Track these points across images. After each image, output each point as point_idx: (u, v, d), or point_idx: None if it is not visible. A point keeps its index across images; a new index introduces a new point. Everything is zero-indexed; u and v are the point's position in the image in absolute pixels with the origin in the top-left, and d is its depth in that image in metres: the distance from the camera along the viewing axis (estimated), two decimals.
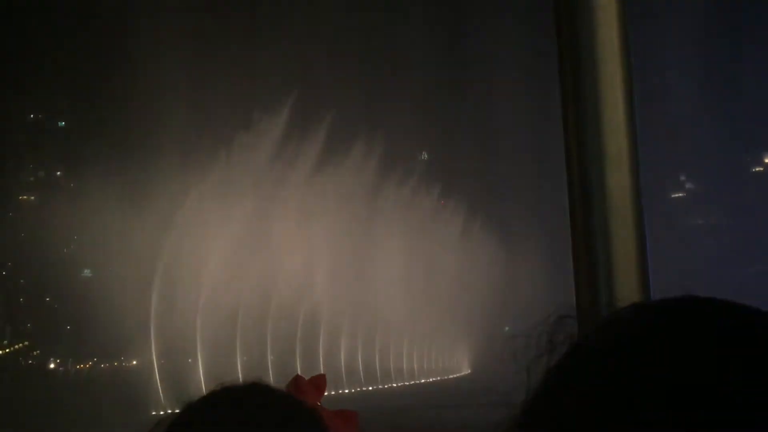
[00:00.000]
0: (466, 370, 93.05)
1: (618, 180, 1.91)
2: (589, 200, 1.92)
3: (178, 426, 1.26)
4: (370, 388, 74.47)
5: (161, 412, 50.71)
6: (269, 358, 73.39)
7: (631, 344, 0.73)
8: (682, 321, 0.74)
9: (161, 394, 59.84)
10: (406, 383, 78.93)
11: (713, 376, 0.67)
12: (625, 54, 1.92)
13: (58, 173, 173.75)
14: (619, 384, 0.69)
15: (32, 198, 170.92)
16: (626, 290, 1.89)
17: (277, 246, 73.50)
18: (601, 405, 0.70)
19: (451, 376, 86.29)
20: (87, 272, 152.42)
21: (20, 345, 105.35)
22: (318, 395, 1.34)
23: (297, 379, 1.37)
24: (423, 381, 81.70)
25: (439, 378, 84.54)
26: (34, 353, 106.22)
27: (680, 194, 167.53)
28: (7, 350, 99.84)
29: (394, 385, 77.57)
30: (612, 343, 0.74)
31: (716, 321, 0.73)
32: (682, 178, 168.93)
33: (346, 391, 69.45)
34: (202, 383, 59.20)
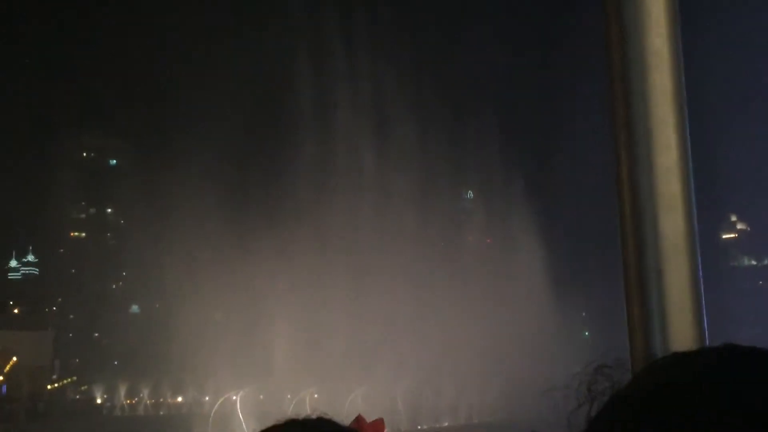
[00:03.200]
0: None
1: (672, 223, 1.86)
2: (642, 244, 1.87)
3: None
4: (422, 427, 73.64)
5: None
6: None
7: (669, 393, 0.71)
8: (719, 371, 0.72)
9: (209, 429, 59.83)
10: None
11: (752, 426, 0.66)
12: (679, 96, 1.89)
13: (108, 211, 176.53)
14: None
15: (82, 235, 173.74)
16: (681, 335, 1.84)
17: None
18: None
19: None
20: (135, 308, 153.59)
21: (69, 380, 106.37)
22: None
23: (359, 418, 1.38)
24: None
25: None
26: (82, 388, 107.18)
27: (732, 235, 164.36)
28: (56, 385, 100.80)
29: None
30: (649, 392, 0.73)
31: (754, 372, 0.71)
32: (733, 218, 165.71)
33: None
34: (242, 421, 59.11)
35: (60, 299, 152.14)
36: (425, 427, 74.35)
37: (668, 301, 1.85)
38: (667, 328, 1.84)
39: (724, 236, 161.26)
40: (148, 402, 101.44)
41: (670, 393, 0.71)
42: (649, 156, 1.88)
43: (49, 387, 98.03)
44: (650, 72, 1.88)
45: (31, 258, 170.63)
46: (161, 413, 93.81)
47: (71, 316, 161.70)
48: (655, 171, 1.87)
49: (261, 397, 71.48)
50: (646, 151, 1.89)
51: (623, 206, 1.91)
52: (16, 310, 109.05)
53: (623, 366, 0.80)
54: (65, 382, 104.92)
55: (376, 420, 1.39)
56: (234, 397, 71.15)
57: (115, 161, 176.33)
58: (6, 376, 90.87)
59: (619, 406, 0.75)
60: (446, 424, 77.07)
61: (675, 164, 1.87)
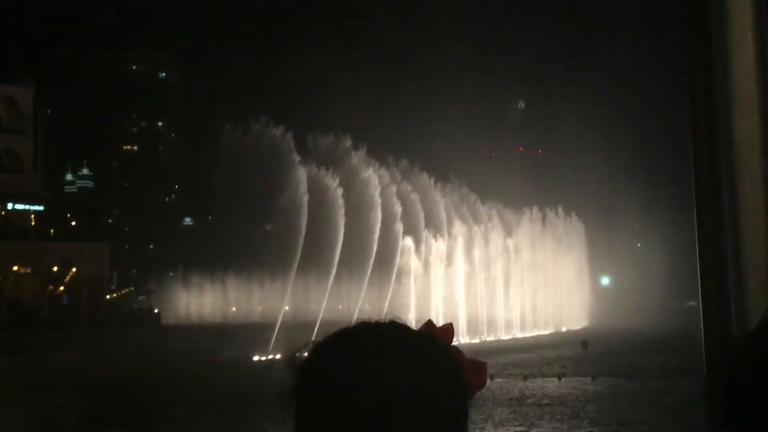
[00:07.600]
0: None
1: (747, 128, 1.80)
2: (714, 149, 1.82)
3: (325, 349, 1.31)
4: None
5: (263, 357, 51.13)
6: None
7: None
8: None
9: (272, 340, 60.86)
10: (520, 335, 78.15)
11: None
12: None
13: (160, 124, 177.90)
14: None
15: (135, 148, 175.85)
16: (754, 240, 1.79)
17: None
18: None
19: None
20: (188, 220, 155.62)
21: (127, 290, 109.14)
22: (447, 341, 1.40)
23: (429, 323, 1.42)
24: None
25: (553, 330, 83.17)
26: (140, 298, 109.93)
27: None
28: (115, 295, 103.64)
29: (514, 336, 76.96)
30: None
31: None
32: None
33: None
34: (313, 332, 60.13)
35: (115, 212, 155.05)
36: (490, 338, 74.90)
37: (741, 207, 1.80)
38: (738, 234, 1.80)
39: None
40: (204, 311, 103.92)
41: None
42: (724, 57, 1.81)
43: (108, 297, 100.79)
44: None
45: (85, 171, 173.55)
46: (217, 322, 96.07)
47: (126, 229, 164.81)
48: (730, 72, 1.80)
49: (313, 306, 72.54)
50: (721, 51, 1.81)
51: (696, 110, 1.85)
52: (73, 223, 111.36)
53: None
54: (123, 292, 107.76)
55: (446, 324, 1.42)
56: (286, 308, 72.37)
57: (165, 74, 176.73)
58: (66, 286, 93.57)
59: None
60: (509, 337, 77.45)
61: (752, 65, 1.80)
